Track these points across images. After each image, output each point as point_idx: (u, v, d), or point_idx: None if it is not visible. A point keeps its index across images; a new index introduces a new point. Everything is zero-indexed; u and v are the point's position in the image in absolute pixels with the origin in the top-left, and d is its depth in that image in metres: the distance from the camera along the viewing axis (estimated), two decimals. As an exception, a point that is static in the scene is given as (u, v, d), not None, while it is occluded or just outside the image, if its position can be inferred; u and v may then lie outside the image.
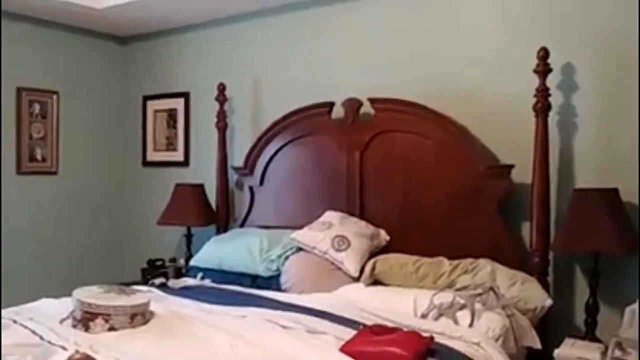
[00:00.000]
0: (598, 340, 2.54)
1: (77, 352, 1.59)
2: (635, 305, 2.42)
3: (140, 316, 2.24)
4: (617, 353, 2.22)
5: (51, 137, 4.15)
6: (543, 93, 2.70)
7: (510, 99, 2.93)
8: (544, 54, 2.68)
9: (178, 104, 4.25)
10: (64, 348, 1.92)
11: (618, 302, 2.62)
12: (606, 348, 2.28)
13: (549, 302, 2.51)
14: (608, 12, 2.74)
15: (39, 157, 4.09)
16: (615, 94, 2.73)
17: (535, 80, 2.71)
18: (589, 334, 2.60)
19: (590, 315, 2.61)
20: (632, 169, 2.66)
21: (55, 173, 4.19)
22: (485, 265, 2.63)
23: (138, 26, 4.26)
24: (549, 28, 2.86)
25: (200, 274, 3.22)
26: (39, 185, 4.10)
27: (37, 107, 4.06)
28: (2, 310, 2.36)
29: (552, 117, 2.76)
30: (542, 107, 2.70)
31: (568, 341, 2.49)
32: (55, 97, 4.15)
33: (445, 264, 2.70)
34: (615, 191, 2.58)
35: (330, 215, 3.15)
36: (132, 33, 4.45)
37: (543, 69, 2.69)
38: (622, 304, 2.52)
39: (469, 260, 2.71)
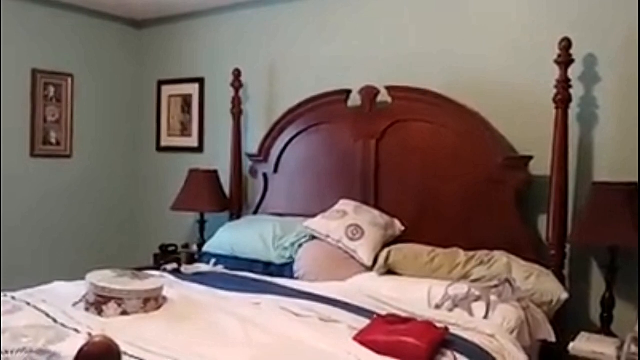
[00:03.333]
0: (614, 335, 2.51)
1: (89, 335, 1.59)
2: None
3: (153, 301, 2.24)
4: (633, 349, 2.19)
5: (65, 120, 4.15)
6: (564, 84, 2.65)
7: (530, 90, 2.89)
8: (566, 45, 2.63)
9: (193, 89, 4.24)
10: (76, 331, 1.94)
11: (635, 297, 2.59)
12: (622, 343, 2.26)
13: (564, 295, 2.48)
14: (631, 2, 2.67)
15: (53, 140, 4.10)
16: (637, 86, 2.66)
17: (556, 71, 2.66)
18: (605, 329, 2.57)
19: (606, 309, 2.59)
20: (652, 163, 2.62)
21: (69, 156, 4.20)
22: (501, 257, 2.61)
23: (154, 10, 4.25)
24: (571, 18, 2.80)
25: (213, 260, 3.23)
26: (52, 168, 4.11)
27: (52, 90, 4.06)
28: (16, 293, 2.37)
29: (572, 109, 2.72)
30: (563, 99, 2.66)
31: (583, 335, 2.47)
32: (70, 80, 4.15)
33: (461, 255, 2.68)
34: (634, 185, 2.54)
35: (344, 204, 3.13)
36: (148, 17, 4.43)
37: (565, 60, 2.64)
38: (638, 299, 2.48)
39: (485, 251, 2.68)
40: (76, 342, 1.57)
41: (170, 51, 4.40)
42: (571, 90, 2.66)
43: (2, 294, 2.32)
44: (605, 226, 2.48)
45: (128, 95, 4.55)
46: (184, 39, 4.31)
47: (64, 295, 2.37)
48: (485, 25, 3.06)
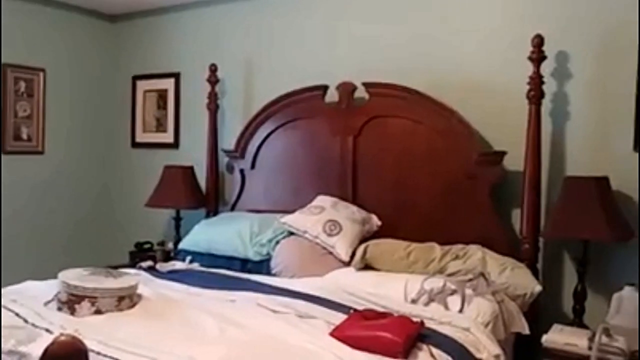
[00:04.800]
0: (585, 327, 2.56)
1: (61, 334, 1.55)
2: (622, 292, 2.45)
3: (127, 299, 2.21)
4: (604, 339, 2.23)
5: (37, 116, 4.07)
6: (536, 81, 2.69)
7: (504, 86, 2.92)
8: (538, 41, 2.67)
9: (168, 84, 4.18)
10: (48, 331, 1.89)
11: (606, 289, 2.64)
12: (593, 334, 2.30)
13: (538, 288, 2.52)
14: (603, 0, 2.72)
15: (24, 136, 4.02)
16: (608, 82, 2.72)
17: (529, 68, 2.69)
18: (577, 321, 2.62)
19: (578, 302, 2.63)
20: (622, 157, 2.67)
21: (41, 153, 4.12)
22: (475, 252, 2.63)
23: (129, 4, 4.18)
24: (544, 15, 2.84)
25: (189, 258, 3.20)
26: (24, 165, 4.03)
27: (22, 85, 3.97)
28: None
29: (545, 105, 2.75)
30: (536, 95, 2.69)
31: (556, 327, 2.51)
32: (42, 74, 4.06)
33: (436, 249, 2.70)
34: (605, 179, 2.58)
35: (322, 200, 3.13)
36: (123, 11, 4.36)
37: (537, 57, 2.68)
38: (609, 291, 2.54)
39: (460, 246, 2.71)
40: (47, 343, 1.54)
41: (145, 46, 4.34)
42: (544, 87, 2.70)
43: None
44: (578, 220, 2.52)
45: (102, 90, 4.48)
46: (159, 33, 4.26)
47: (35, 294, 2.32)
48: (460, 23, 3.08)
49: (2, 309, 2.10)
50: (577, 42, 2.77)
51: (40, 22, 4.06)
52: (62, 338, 1.28)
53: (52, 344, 1.25)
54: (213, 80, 3.74)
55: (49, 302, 2.21)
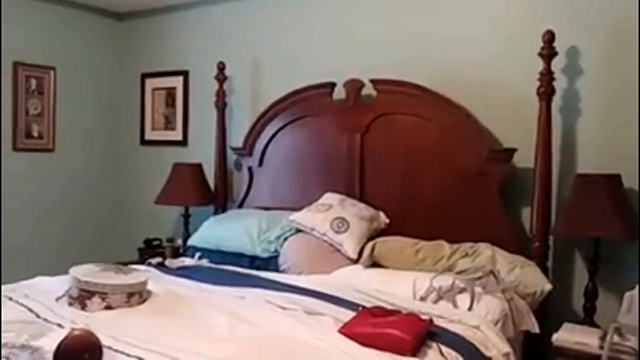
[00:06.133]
0: (596, 326, 2.54)
1: (73, 329, 1.57)
2: (634, 292, 2.42)
3: (137, 295, 2.22)
4: (616, 339, 2.21)
5: (48, 113, 4.10)
6: (547, 77, 2.67)
7: (514, 82, 2.90)
8: (549, 37, 2.65)
9: (177, 82, 4.20)
10: (60, 326, 1.92)
11: (617, 287, 2.61)
12: (604, 333, 2.28)
13: (548, 286, 2.50)
14: (615, -5, 2.70)
15: (35, 133, 4.05)
16: (620, 79, 2.69)
17: (540, 64, 2.67)
18: (588, 319, 2.60)
19: (589, 300, 2.61)
20: (634, 155, 2.65)
21: (51, 150, 4.15)
22: (485, 249, 2.62)
23: (137, 2, 4.20)
24: (555, 10, 2.82)
25: (197, 254, 3.21)
26: (35, 162, 4.06)
27: (33, 83, 4.00)
28: (-2, 287, 2.34)
29: (556, 102, 2.73)
30: (546, 92, 2.67)
31: (566, 326, 2.50)
32: (52, 72, 4.09)
33: (445, 247, 2.69)
34: (617, 177, 2.56)
35: (329, 197, 3.13)
36: (131, 9, 4.38)
37: (548, 53, 2.66)
38: (621, 289, 2.51)
39: (469, 244, 2.70)
40: (59, 337, 1.55)
41: (154, 44, 4.35)
42: (554, 83, 2.68)
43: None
44: (589, 218, 2.50)
45: (111, 88, 4.50)
46: (167, 32, 4.27)
47: (47, 290, 2.34)
48: (469, 19, 3.06)
49: (15, 304, 2.13)
50: (589, 38, 2.74)
51: (51, 21, 4.09)
52: (77, 332, 1.28)
53: (67, 337, 1.26)
54: (221, 78, 3.75)
55: (60, 297, 2.23)
